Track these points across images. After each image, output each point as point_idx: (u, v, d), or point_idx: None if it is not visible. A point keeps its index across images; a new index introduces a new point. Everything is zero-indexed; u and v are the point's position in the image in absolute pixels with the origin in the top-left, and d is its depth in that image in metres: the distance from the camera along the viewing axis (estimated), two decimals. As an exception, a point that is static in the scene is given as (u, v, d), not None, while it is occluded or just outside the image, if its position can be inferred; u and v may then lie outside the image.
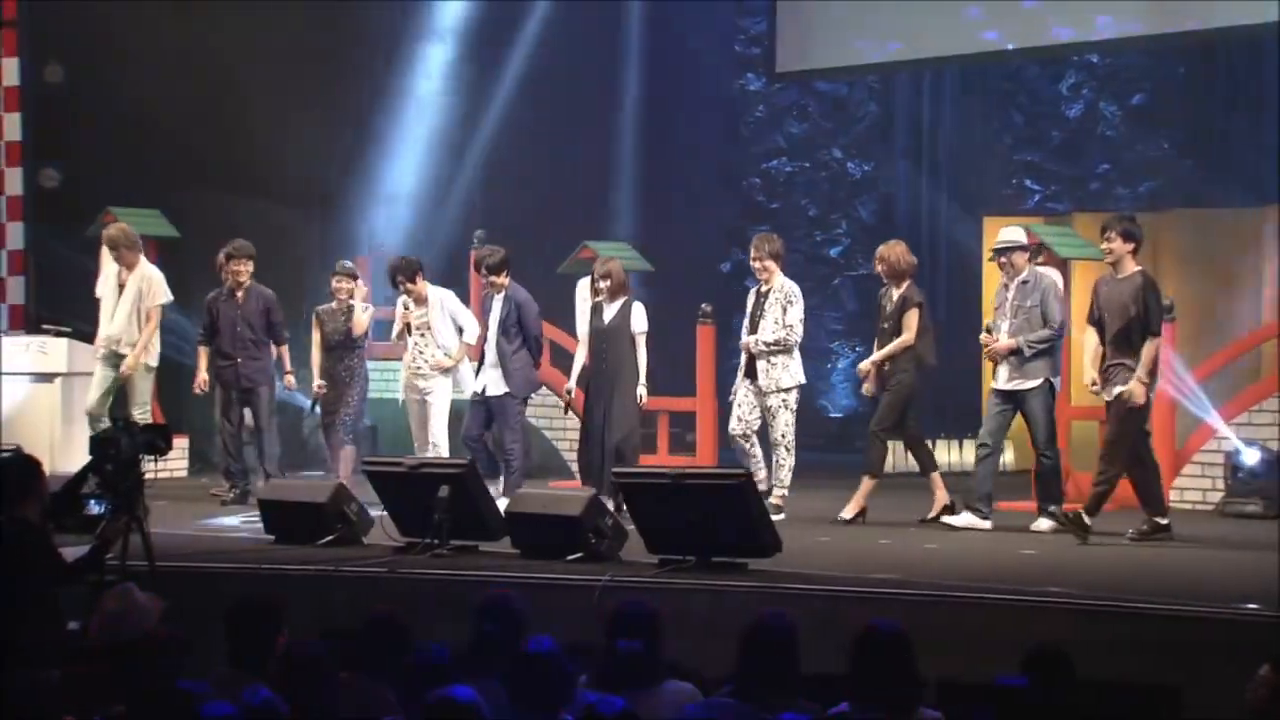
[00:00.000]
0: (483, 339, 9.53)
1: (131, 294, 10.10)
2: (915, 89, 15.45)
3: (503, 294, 9.35)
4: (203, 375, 9.97)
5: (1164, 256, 11.87)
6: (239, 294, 9.97)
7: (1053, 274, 9.07)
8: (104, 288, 10.26)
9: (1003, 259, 8.78)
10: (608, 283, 9.07)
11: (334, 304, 9.97)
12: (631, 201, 14.82)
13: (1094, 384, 8.25)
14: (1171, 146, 13.97)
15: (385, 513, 7.95)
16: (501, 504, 7.95)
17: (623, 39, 15.05)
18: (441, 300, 9.69)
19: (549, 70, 14.25)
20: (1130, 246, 8.28)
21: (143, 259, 10.22)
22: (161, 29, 12.68)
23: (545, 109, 14.50)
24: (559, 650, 4.41)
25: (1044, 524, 8.48)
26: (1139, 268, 8.35)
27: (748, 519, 6.99)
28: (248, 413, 9.96)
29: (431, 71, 14.31)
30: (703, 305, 11.00)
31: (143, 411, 9.82)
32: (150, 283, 10.15)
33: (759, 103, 16.32)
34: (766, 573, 6.89)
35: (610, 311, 9.09)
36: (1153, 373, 8.20)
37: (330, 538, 7.83)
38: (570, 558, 7.19)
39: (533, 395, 9.68)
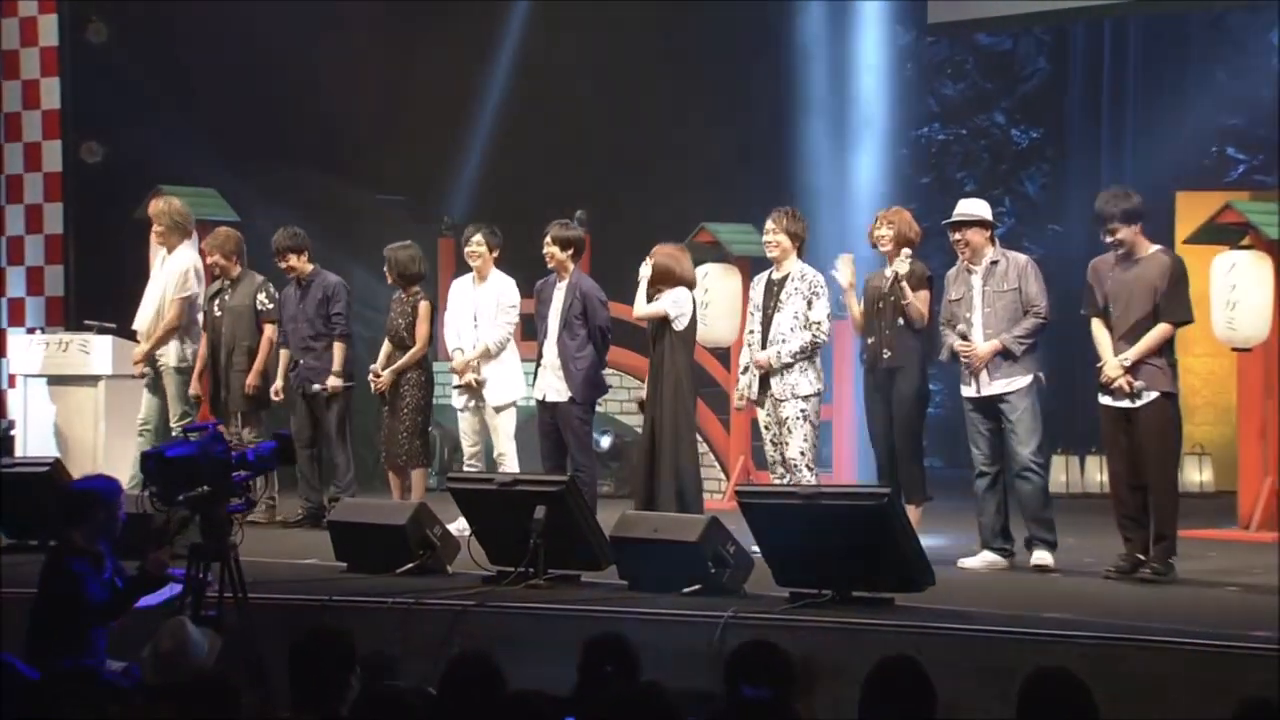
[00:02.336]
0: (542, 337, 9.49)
1: (161, 282, 10.34)
2: (1094, 41, 15.25)
3: (565, 282, 9.37)
4: (279, 381, 10.19)
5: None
6: (301, 285, 10.19)
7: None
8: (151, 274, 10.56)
9: (957, 237, 8.50)
10: (650, 275, 9.04)
11: (400, 294, 10.10)
12: (760, 176, 14.79)
13: (1116, 383, 7.89)
14: None
15: (472, 536, 8.02)
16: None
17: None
18: (500, 289, 9.77)
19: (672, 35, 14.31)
20: (1138, 227, 8.00)
21: (184, 245, 10.44)
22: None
23: (660, 73, 14.55)
24: (661, 690, 4.42)
25: (1045, 556, 8.26)
26: (1158, 246, 8.12)
27: (894, 546, 6.96)
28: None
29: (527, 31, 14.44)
30: (839, 297, 10.96)
31: (180, 419, 10.04)
32: (181, 270, 10.33)
33: (907, 60, 16.22)
34: (917, 610, 6.85)
35: (656, 306, 9.05)
36: (1173, 367, 7.95)
37: (411, 565, 7.92)
38: (687, 590, 7.20)
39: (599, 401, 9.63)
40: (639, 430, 12.29)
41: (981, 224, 8.53)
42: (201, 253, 10.59)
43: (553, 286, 9.43)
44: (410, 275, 10.08)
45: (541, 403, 9.39)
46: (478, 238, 9.81)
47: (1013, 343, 8.31)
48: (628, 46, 14.49)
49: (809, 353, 8.73)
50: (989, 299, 8.41)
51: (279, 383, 10.20)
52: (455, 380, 9.82)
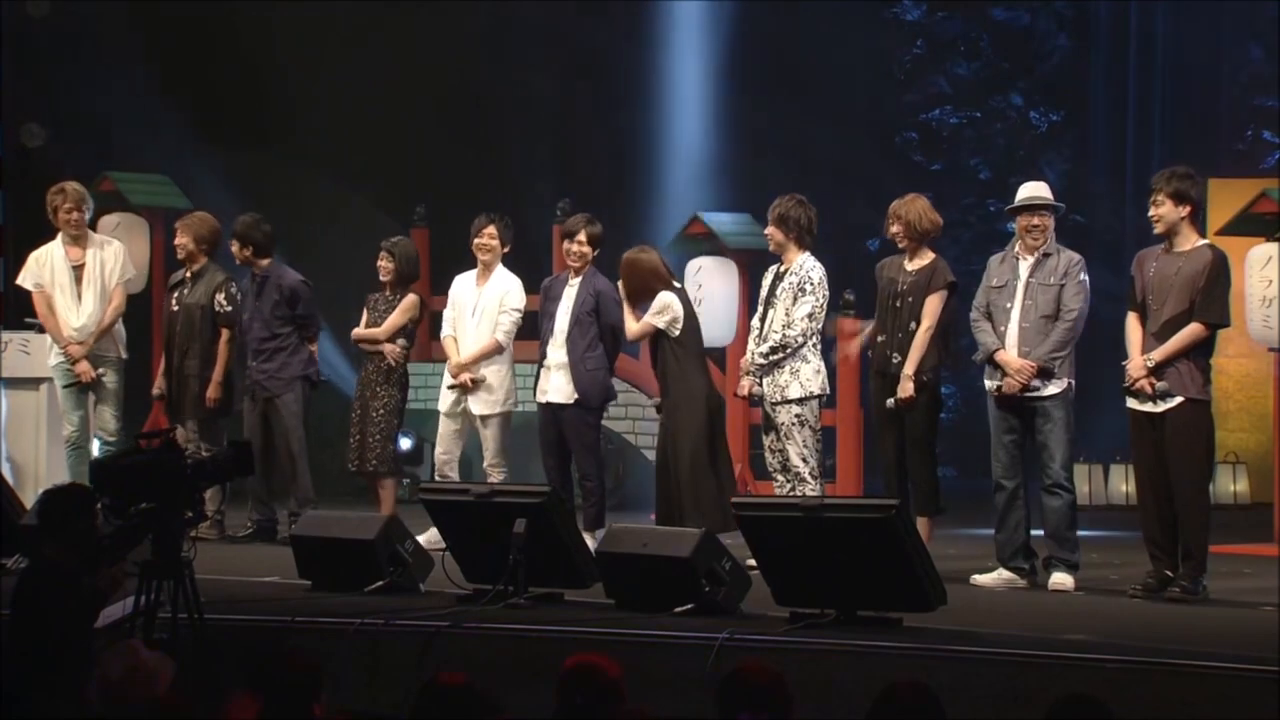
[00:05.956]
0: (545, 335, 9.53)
1: (96, 271, 10.28)
2: (1119, 15, 15.31)
3: (579, 279, 9.42)
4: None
5: None
6: (256, 280, 10.13)
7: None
8: (45, 272, 10.35)
9: (1035, 222, 8.41)
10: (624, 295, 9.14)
11: (386, 291, 10.13)
12: (756, 164, 14.84)
13: (1137, 383, 7.94)
14: None
15: (447, 552, 8.05)
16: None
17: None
18: (506, 289, 9.77)
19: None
20: (1185, 211, 7.99)
21: (89, 229, 10.43)
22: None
23: (648, 46, 14.59)
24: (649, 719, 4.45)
25: (1064, 579, 8.28)
26: (1205, 240, 8.13)
27: (903, 562, 6.99)
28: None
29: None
30: (845, 293, 11.01)
31: (119, 420, 10.03)
32: (115, 255, 10.31)
33: (916, 36, 16.28)
34: (927, 631, 6.88)
35: (644, 323, 9.12)
36: (1205, 372, 7.95)
37: (380, 584, 7.95)
38: (679, 610, 7.22)
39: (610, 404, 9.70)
40: (627, 438, 12.41)
41: (1053, 208, 8.51)
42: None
43: (563, 284, 9.50)
44: (412, 276, 10.12)
45: (543, 405, 9.44)
46: (491, 229, 9.78)
47: (1047, 360, 8.28)
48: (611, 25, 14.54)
49: (780, 354, 8.78)
50: (1032, 291, 8.38)
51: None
52: (448, 380, 9.82)
